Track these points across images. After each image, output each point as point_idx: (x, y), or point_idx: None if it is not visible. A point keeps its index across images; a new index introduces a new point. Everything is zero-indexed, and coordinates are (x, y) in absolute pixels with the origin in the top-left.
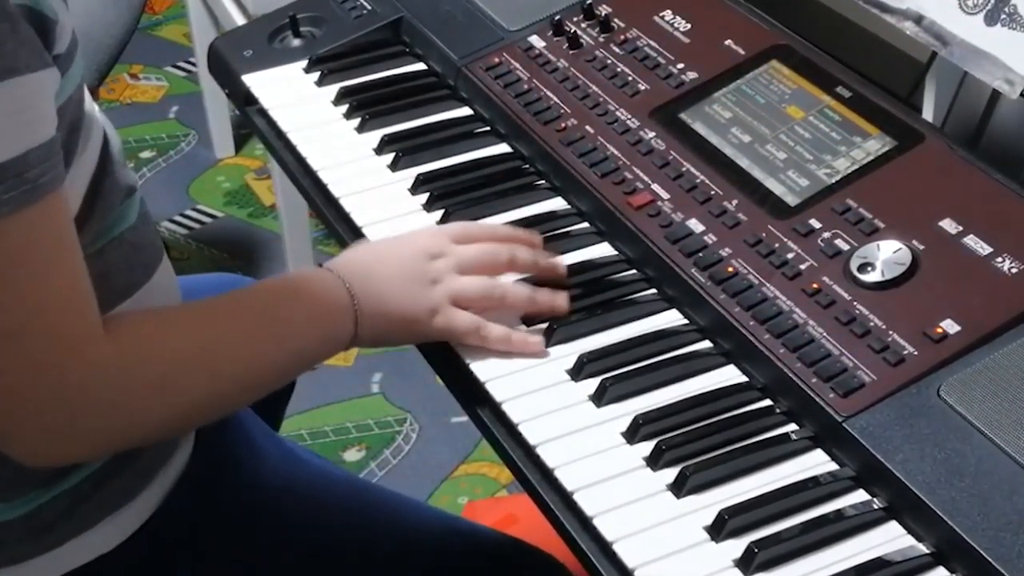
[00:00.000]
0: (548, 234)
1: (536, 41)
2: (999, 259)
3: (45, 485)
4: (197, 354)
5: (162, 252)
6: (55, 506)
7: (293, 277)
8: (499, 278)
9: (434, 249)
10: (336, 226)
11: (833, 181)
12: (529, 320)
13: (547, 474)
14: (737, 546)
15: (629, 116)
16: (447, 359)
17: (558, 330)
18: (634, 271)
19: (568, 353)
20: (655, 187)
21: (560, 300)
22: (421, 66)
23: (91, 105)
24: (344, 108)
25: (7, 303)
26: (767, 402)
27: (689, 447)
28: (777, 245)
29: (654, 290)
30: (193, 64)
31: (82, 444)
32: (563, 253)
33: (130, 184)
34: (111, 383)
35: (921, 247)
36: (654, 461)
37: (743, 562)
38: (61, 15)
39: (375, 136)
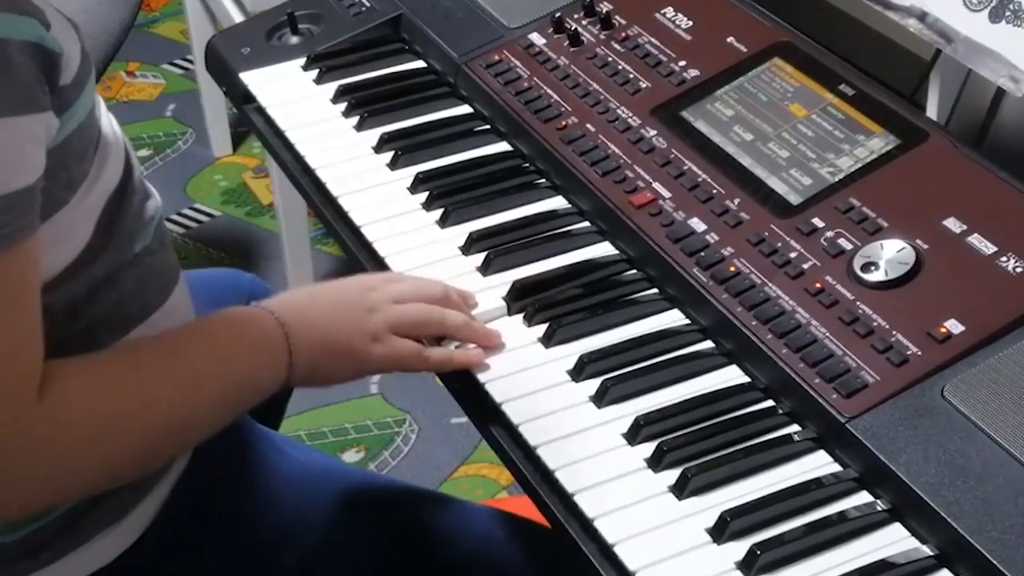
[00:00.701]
0: (548, 233)
1: (536, 38)
2: (1004, 258)
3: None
4: (130, 405)
5: (178, 272)
6: (53, 525)
7: (223, 315)
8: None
9: (369, 284)
10: (335, 225)
11: (836, 180)
12: (529, 320)
13: (547, 475)
14: (739, 548)
15: (630, 114)
16: None
17: (559, 330)
18: (635, 271)
19: (569, 353)
20: (656, 186)
21: (494, 335)
22: (420, 64)
23: (109, 125)
24: (343, 106)
25: None
26: (769, 403)
27: (691, 448)
28: (780, 244)
29: (655, 290)
30: (190, 61)
31: (22, 499)
32: (564, 252)
33: (152, 210)
34: (43, 440)
35: (925, 246)
36: (655, 462)
37: (745, 564)
38: (66, 45)
39: (374, 134)
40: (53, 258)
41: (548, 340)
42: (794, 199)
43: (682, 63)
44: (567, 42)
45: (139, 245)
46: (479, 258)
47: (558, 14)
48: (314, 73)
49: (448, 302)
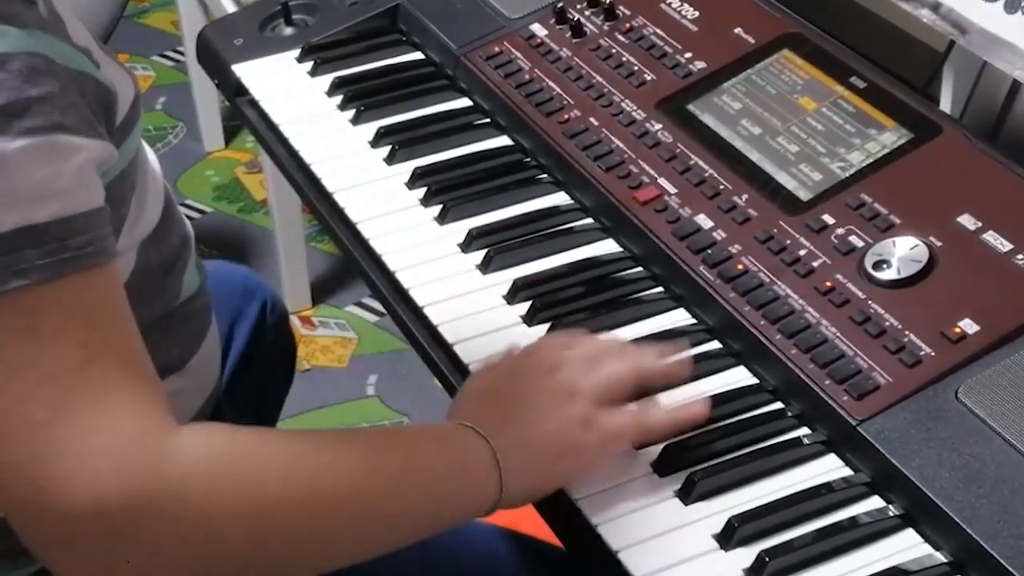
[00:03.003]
0: (550, 230)
1: (538, 29)
2: (1020, 256)
3: None
4: (301, 484)
5: (211, 313)
6: None
7: (427, 427)
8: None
9: (551, 362)
10: (330, 222)
11: (847, 175)
12: (530, 319)
13: None
14: (747, 555)
15: (635, 107)
16: (445, 361)
17: (561, 330)
18: (640, 269)
19: None
20: (662, 181)
21: (685, 358)
22: (418, 55)
23: (149, 166)
24: (338, 99)
25: (36, 393)
26: (778, 405)
27: (697, 452)
28: (789, 242)
29: (661, 288)
30: (181, 53)
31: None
32: (566, 250)
33: (187, 251)
34: (191, 492)
35: (938, 244)
36: (660, 467)
37: (754, 571)
38: (119, 85)
39: (371, 128)
40: None
41: None
42: (804, 195)
43: (688, 55)
44: (570, 33)
45: (177, 299)
46: (479, 256)
47: (560, 4)
48: (309, 65)
49: (625, 351)
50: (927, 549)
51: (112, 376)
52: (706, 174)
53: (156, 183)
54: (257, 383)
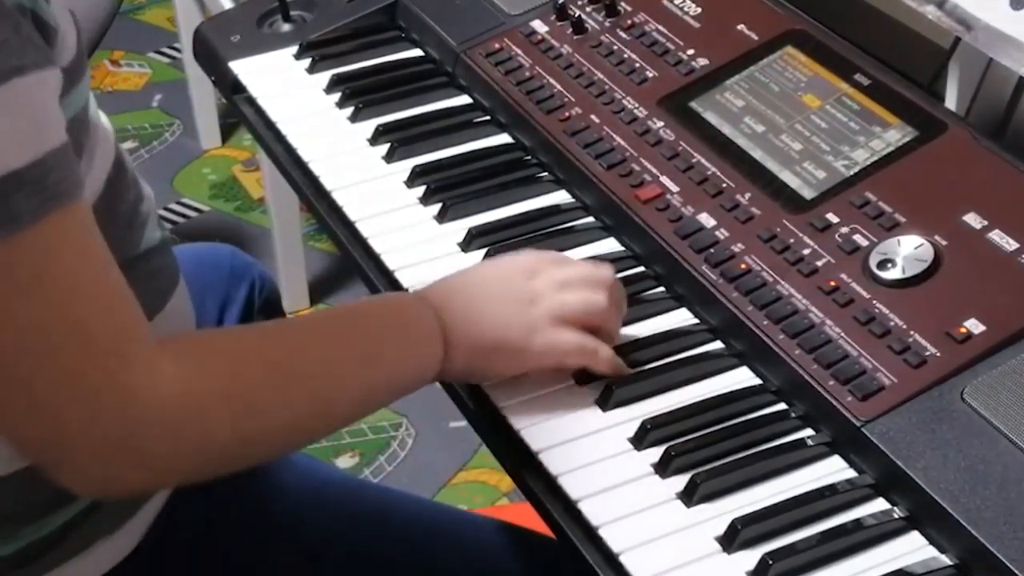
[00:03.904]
0: (551, 229)
1: (539, 26)
2: None
3: (38, 521)
4: (268, 371)
5: (177, 275)
6: (49, 535)
7: (376, 299)
8: None
9: (532, 267)
10: (328, 220)
11: (851, 173)
12: None
13: (550, 482)
14: (750, 557)
15: (636, 105)
16: None
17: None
18: (642, 268)
19: None
20: (664, 179)
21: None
22: (418, 52)
23: (99, 122)
24: (336, 96)
25: (41, 320)
26: (782, 406)
27: (700, 453)
28: (792, 240)
29: (663, 288)
30: (178, 50)
31: (150, 471)
32: (567, 249)
33: (145, 212)
34: (173, 400)
35: (944, 243)
36: (663, 468)
37: (757, 574)
38: (64, 25)
39: (369, 126)
40: None
41: None
42: (807, 193)
43: (690, 52)
44: (571, 29)
45: (135, 249)
46: (479, 255)
47: (561, 0)
48: (307, 62)
49: (614, 292)
50: (932, 551)
51: (93, 310)
52: (708, 172)
53: (107, 139)
54: None
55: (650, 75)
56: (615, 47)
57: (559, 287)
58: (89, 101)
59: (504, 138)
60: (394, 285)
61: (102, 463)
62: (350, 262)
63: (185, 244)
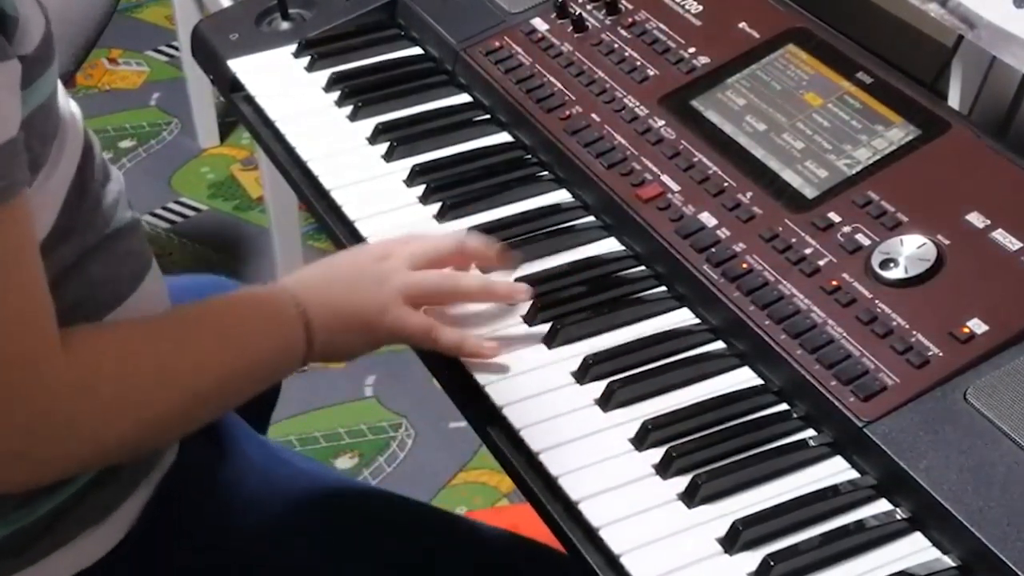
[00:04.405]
0: (551, 228)
1: (539, 24)
2: None
3: (26, 506)
4: (155, 369)
5: (150, 260)
6: (37, 524)
7: (241, 293)
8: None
9: (384, 251)
10: (327, 220)
11: (853, 172)
12: (530, 319)
13: (550, 483)
14: (752, 559)
15: (637, 103)
16: (445, 361)
17: (562, 330)
18: (643, 267)
19: (573, 355)
20: (665, 178)
21: (518, 289)
22: (417, 50)
23: (68, 109)
24: (336, 95)
25: None
26: (783, 406)
27: (701, 454)
28: (794, 240)
29: (664, 288)
30: (176, 48)
31: (44, 469)
32: (567, 248)
33: (114, 193)
34: (68, 403)
35: (947, 242)
36: (664, 469)
37: None
38: (25, 12)
39: (368, 125)
40: None
41: (551, 340)
42: (809, 192)
43: (692, 50)
44: (571, 27)
45: (105, 229)
46: None
47: None
48: (306, 60)
49: (464, 256)
50: (935, 553)
51: (10, 312)
52: (710, 171)
53: (75, 126)
54: None
55: (651, 73)
56: (616, 45)
57: (408, 266)
58: (57, 88)
59: (504, 137)
60: None
61: (2, 463)
62: None
63: (188, 275)
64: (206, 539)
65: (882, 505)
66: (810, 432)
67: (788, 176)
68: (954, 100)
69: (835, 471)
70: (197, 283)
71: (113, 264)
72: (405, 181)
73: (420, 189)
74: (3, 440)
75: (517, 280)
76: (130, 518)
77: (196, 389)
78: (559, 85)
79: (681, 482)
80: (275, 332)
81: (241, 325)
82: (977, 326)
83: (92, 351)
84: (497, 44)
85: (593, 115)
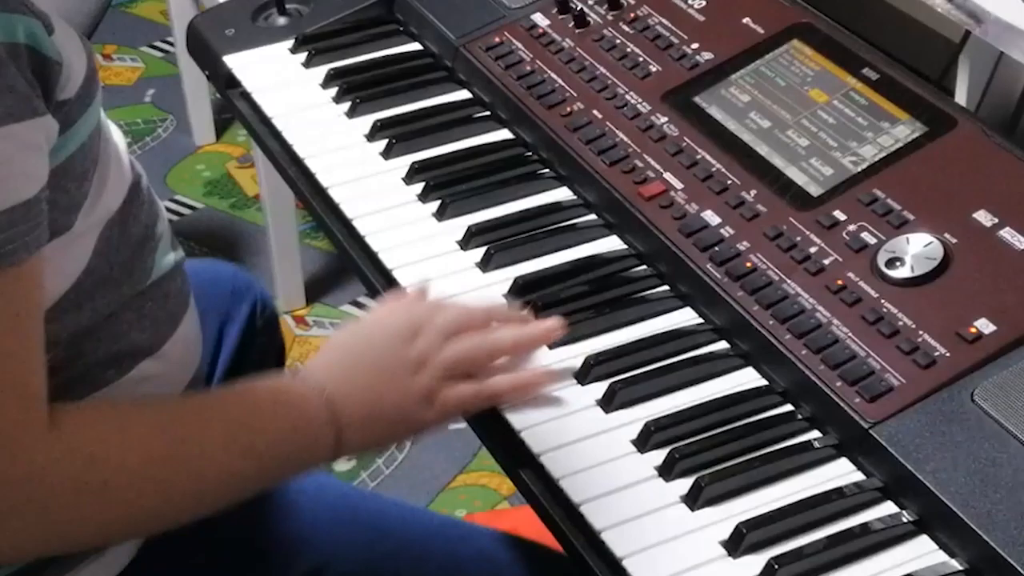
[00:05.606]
0: (552, 227)
1: (540, 19)
2: None
3: None
4: (147, 463)
5: (189, 295)
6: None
7: (267, 386)
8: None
9: (412, 327)
10: (325, 218)
11: (859, 170)
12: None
13: (552, 485)
14: (756, 562)
15: (640, 100)
16: None
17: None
18: (645, 266)
19: (574, 355)
20: (668, 176)
21: (553, 328)
22: (416, 46)
23: (112, 145)
24: (333, 91)
25: None
26: (788, 407)
27: (704, 456)
28: (799, 238)
29: (667, 287)
30: (171, 44)
31: (9, 543)
32: (569, 247)
33: (159, 228)
34: (46, 484)
35: (953, 240)
36: (667, 471)
37: None
38: (69, 57)
39: (367, 121)
40: (48, 287)
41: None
42: (814, 190)
43: (695, 46)
44: (572, 23)
45: (145, 278)
46: (478, 253)
47: None
48: (303, 56)
49: (493, 323)
50: (942, 556)
51: (5, 381)
52: (713, 169)
53: (120, 165)
54: None
55: (653, 69)
56: (618, 41)
57: (442, 341)
58: (101, 124)
59: (504, 134)
60: (392, 284)
61: None
62: (347, 260)
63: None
64: (210, 564)
65: (888, 507)
66: (815, 433)
67: (793, 174)
68: (961, 96)
69: (840, 473)
70: (193, 269)
71: (153, 312)
72: (404, 178)
73: (419, 187)
74: None
75: (517, 280)
76: (132, 548)
77: (191, 490)
78: (560, 81)
79: (684, 484)
80: (301, 436)
81: (254, 423)
82: (984, 326)
83: (83, 432)
84: (497, 40)
85: (595, 112)
